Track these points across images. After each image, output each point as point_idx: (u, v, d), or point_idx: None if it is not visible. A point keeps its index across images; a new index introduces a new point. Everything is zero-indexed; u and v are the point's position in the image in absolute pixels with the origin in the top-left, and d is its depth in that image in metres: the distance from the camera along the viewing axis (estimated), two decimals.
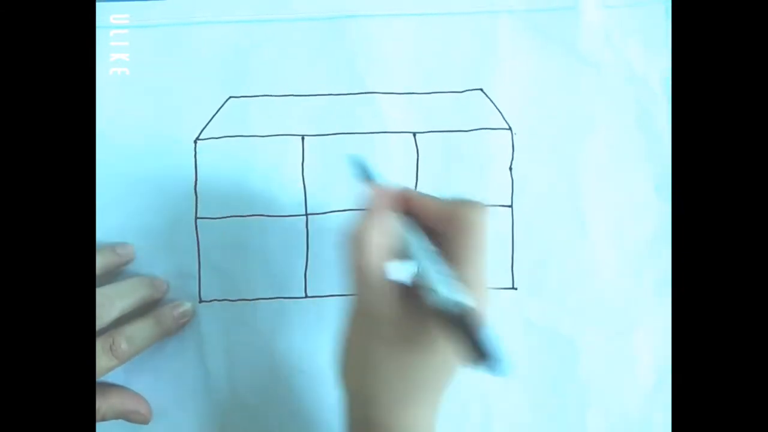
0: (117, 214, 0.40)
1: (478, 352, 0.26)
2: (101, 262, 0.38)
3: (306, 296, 0.40)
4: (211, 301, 0.40)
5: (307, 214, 0.40)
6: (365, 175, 0.34)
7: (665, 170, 0.41)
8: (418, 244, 0.30)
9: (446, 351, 0.29)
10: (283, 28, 0.41)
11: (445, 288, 0.28)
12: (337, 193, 0.40)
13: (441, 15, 0.41)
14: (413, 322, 0.29)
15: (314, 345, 0.40)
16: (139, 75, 0.40)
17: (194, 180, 0.40)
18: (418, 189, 0.41)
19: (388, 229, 0.30)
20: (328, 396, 0.40)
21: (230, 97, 0.41)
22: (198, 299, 0.40)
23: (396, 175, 0.40)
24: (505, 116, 0.41)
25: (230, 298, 0.40)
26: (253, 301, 0.40)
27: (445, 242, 0.30)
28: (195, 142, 0.40)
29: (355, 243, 0.30)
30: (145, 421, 0.39)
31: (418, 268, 0.30)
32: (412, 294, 0.30)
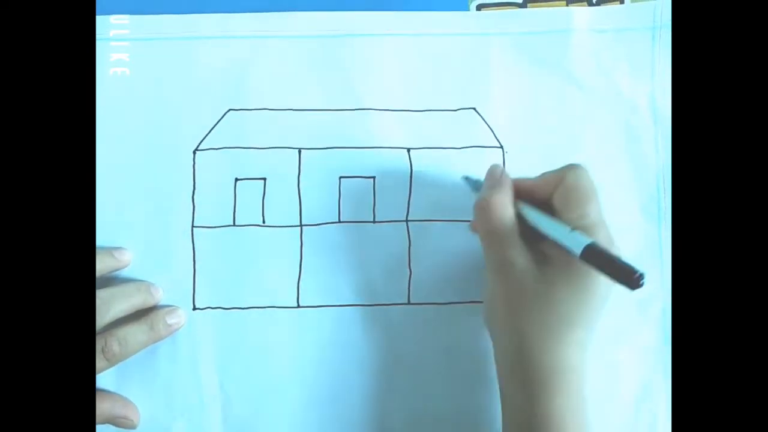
0: (114, 220, 0.41)
1: (617, 272, 0.30)
2: (99, 265, 0.38)
3: (298, 306, 0.41)
4: (204, 308, 0.41)
5: (301, 225, 0.41)
6: (476, 184, 0.39)
7: (651, 190, 0.42)
8: (530, 209, 0.36)
9: (584, 286, 0.33)
10: (283, 45, 0.42)
11: (563, 234, 0.33)
12: (330, 205, 0.41)
13: (436, 36, 0.42)
14: (545, 265, 0.34)
15: (305, 354, 0.41)
16: (141, 85, 0.41)
17: (192, 189, 0.41)
18: (410, 202, 0.41)
19: (508, 194, 0.36)
20: (318, 404, 0.40)
21: (230, 109, 0.42)
22: (192, 306, 0.41)
23: (389, 188, 0.41)
24: (496, 135, 0.42)
25: (224, 306, 0.41)
26: (246, 310, 0.41)
27: (557, 203, 0.35)
28: (194, 152, 0.41)
29: (482, 207, 0.35)
30: (133, 427, 0.39)
31: (535, 224, 0.35)
32: (537, 243, 0.35)
